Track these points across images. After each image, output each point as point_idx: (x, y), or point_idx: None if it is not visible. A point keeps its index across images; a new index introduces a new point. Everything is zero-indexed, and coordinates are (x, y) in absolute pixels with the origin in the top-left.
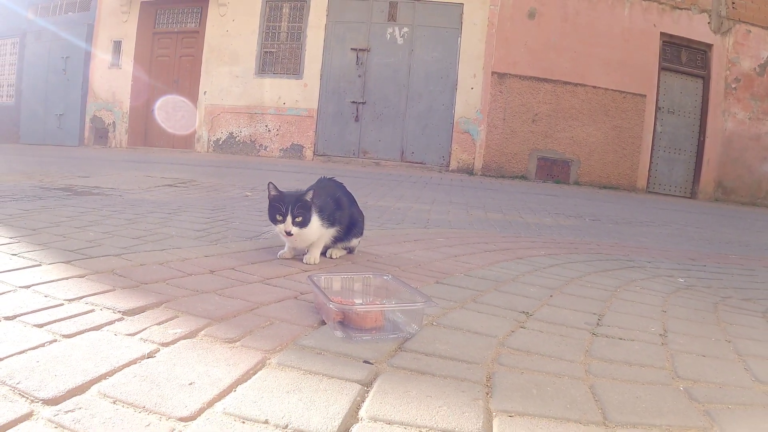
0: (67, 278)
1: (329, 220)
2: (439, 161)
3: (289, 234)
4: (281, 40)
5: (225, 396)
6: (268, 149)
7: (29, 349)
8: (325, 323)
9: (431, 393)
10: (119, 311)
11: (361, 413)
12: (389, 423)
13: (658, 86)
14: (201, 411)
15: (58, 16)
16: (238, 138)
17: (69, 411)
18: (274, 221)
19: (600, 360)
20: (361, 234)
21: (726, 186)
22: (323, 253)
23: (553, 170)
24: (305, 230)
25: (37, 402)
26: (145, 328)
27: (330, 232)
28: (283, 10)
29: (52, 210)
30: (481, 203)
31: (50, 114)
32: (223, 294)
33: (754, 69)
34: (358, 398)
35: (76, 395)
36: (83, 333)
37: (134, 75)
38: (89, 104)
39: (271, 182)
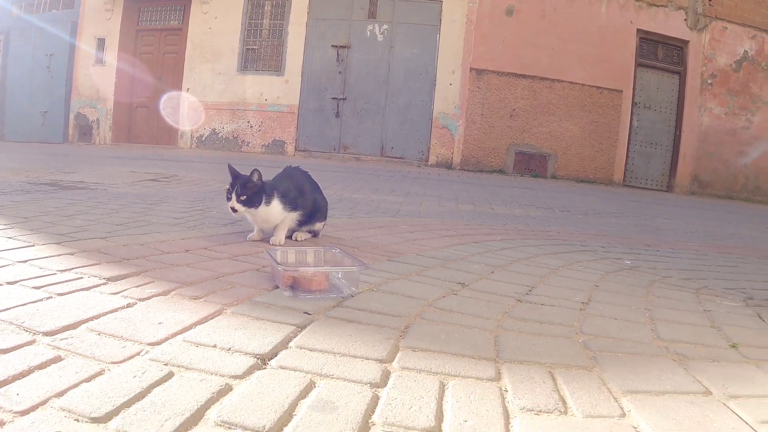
0: (58, 255)
1: (292, 204)
2: (419, 156)
3: (234, 210)
4: (263, 37)
5: (185, 331)
6: (250, 145)
7: (30, 303)
8: (279, 287)
9: (352, 333)
10: (104, 278)
11: (291, 344)
12: (311, 350)
13: (635, 82)
14: (165, 339)
15: (42, 14)
16: (220, 134)
17: (63, 339)
18: (227, 199)
19: (514, 319)
20: (325, 219)
21: (702, 180)
22: (289, 237)
23: (531, 164)
24: (260, 210)
25: (39, 334)
26: (126, 289)
27: (293, 216)
28: (265, 8)
29: (40, 202)
30: (454, 195)
31: (35, 111)
32: (194, 267)
33: (731, 65)
34: (291, 334)
35: (68, 330)
36: (74, 292)
37: (118, 72)
38: (73, 101)
39: (229, 164)
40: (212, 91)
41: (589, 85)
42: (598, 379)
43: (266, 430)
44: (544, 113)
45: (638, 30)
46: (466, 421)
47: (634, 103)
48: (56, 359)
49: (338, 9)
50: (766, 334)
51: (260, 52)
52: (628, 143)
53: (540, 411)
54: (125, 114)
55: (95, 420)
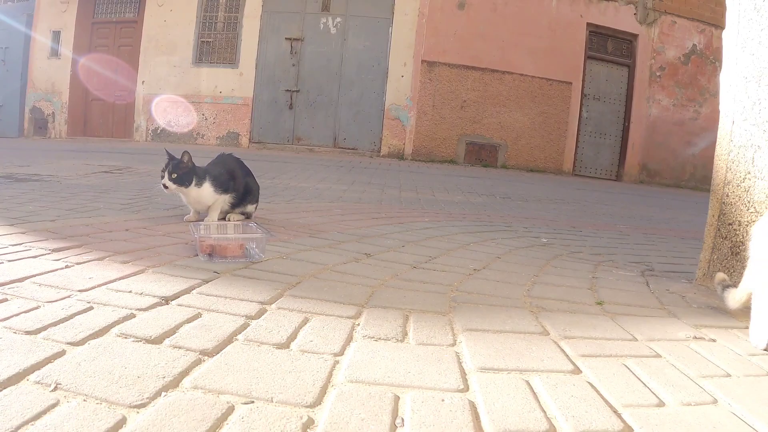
0: (10, 234)
1: (223, 187)
2: (371, 147)
3: (165, 187)
4: (218, 30)
5: (110, 283)
6: (205, 137)
7: None
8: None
9: (248, 285)
10: (49, 249)
11: (193, 291)
12: (208, 295)
13: (584, 74)
14: (92, 288)
15: None
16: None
17: (10, 288)
18: (161, 177)
19: (400, 279)
20: (257, 201)
21: (650, 169)
22: (224, 218)
23: (481, 154)
24: (192, 190)
25: None
26: (67, 257)
27: (225, 198)
28: (220, 0)
29: None
30: (399, 184)
31: None
32: (130, 241)
33: (679, 58)
34: (196, 285)
35: (15, 282)
36: (22, 259)
37: (73, 65)
38: (29, 95)
39: (165, 148)
40: (167, 83)
41: (539, 77)
42: (447, 320)
43: (151, 338)
44: (495, 104)
45: (588, 24)
46: (311, 341)
47: (583, 95)
48: (3, 300)
49: (292, 2)
50: (642, 297)
51: (215, 44)
52: (578, 134)
53: (379, 338)
54: (81, 107)
55: (28, 332)
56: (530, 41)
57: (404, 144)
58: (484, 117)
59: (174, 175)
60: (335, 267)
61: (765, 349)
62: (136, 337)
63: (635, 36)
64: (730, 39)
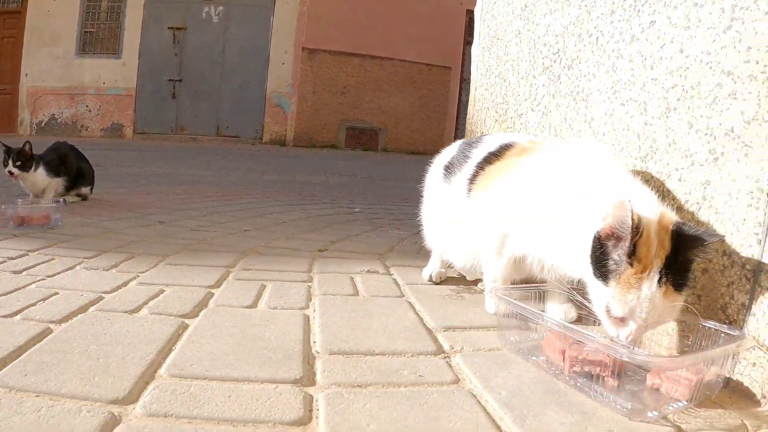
0: None
1: (55, 171)
2: (253, 134)
3: (11, 174)
4: (101, 19)
5: None
6: (89, 129)
7: None
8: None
9: (30, 241)
10: None
11: None
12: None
13: (464, 59)
14: None
15: None
16: (59, 119)
17: None
18: (4, 166)
19: (164, 237)
20: (91, 184)
21: None
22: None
23: (362, 139)
24: (29, 175)
25: None
26: None
27: (58, 181)
28: None
29: None
30: (265, 168)
31: None
32: None
33: None
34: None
35: None
36: None
37: None
38: None
39: (1, 141)
40: (51, 75)
41: (419, 63)
42: (159, 259)
43: None
44: (375, 90)
45: (468, 11)
46: (42, 270)
47: (462, 79)
48: None
49: None
50: (377, 248)
51: (98, 35)
52: (458, 116)
53: (92, 269)
54: None
55: None
56: (411, 28)
57: (286, 130)
58: (364, 102)
59: (18, 163)
60: (121, 230)
61: (429, 281)
62: None
63: None
64: (477, 14)
